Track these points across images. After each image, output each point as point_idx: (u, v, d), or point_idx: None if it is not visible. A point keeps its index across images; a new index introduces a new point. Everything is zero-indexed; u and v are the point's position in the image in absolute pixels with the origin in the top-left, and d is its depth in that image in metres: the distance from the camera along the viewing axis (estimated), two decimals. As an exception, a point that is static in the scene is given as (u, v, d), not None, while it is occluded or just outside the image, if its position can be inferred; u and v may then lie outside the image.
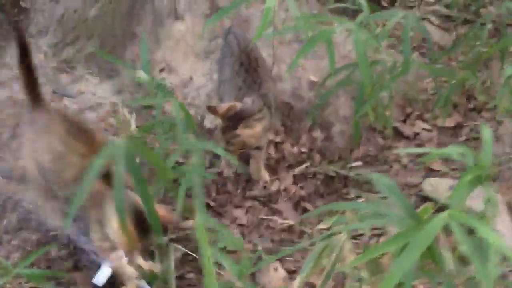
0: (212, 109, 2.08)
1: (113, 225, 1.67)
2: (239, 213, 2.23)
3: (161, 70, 2.70)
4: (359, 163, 2.48)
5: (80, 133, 1.78)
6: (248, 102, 2.12)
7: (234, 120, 2.08)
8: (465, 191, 1.42)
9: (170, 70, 2.70)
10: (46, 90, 2.44)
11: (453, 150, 1.45)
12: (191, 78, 2.68)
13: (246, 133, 2.10)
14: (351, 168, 2.46)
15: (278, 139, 2.53)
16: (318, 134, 2.57)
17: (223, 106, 2.08)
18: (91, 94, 2.50)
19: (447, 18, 3.34)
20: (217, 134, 2.26)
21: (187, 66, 2.73)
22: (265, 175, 2.38)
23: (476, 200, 1.76)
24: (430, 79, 2.81)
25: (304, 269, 1.44)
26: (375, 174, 1.55)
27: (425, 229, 1.31)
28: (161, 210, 1.66)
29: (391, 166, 2.48)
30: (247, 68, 2.25)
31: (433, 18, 3.30)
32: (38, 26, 2.59)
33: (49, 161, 1.77)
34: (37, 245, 1.99)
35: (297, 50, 2.71)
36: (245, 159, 2.39)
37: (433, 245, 1.46)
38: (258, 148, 2.28)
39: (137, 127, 2.36)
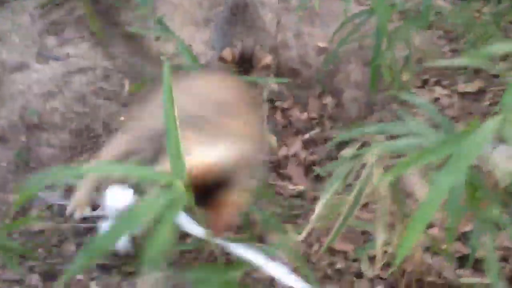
0: (223, 59, 1.96)
1: None
2: (243, 177, 1.99)
3: (157, 39, 2.50)
4: (374, 130, 2.24)
5: None
6: (238, 44, 2.01)
7: (245, 62, 1.97)
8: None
9: (166, 38, 2.50)
10: (30, 52, 2.26)
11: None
12: (189, 46, 2.47)
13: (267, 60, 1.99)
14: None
15: (284, 105, 2.32)
16: (328, 100, 2.36)
17: (227, 54, 1.89)
18: (81, 58, 2.29)
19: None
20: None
21: (185, 34, 2.52)
22: (272, 140, 2.16)
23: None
24: (448, 47, 2.62)
25: (326, 193, 1.21)
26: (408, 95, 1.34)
27: (474, 136, 1.07)
28: None
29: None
30: (235, 12, 2.14)
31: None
32: (24, -12, 2.40)
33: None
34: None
35: (302, 18, 2.57)
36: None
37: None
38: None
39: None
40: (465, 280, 1.65)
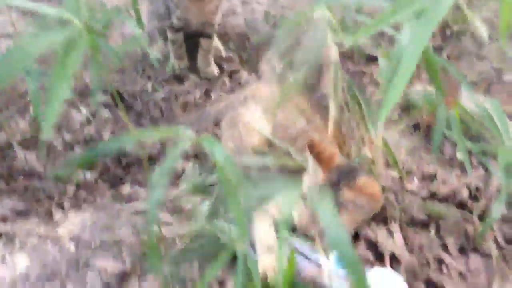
0: None
1: None
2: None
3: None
4: (328, 88, 2.11)
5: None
6: None
7: None
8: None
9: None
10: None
11: None
12: (130, 16, 2.32)
13: None
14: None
15: (233, 68, 2.17)
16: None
17: None
18: (11, 25, 2.11)
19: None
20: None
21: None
22: (214, 69, 2.14)
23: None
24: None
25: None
26: None
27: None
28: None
29: (365, 87, 2.13)
30: None
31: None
32: None
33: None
34: None
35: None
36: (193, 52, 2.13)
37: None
38: (207, 36, 2.05)
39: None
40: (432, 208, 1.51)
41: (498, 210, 1.38)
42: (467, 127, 1.73)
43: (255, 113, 1.54)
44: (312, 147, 1.30)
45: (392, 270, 1.24)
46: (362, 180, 1.24)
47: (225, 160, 0.92)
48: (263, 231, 1.23)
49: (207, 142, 1.00)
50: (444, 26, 2.49)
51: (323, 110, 1.65)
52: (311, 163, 1.27)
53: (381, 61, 1.46)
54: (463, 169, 1.68)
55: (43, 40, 0.76)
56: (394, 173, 1.63)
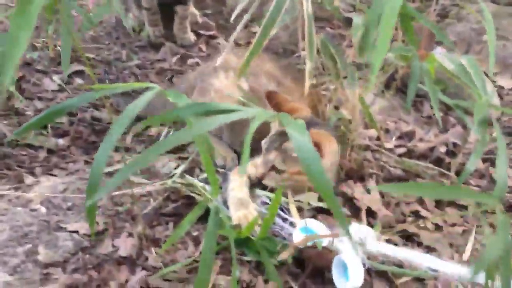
0: None
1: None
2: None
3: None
4: (308, 52, 2.09)
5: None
6: None
7: None
8: None
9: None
10: None
11: None
12: None
13: None
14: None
15: (209, 34, 2.14)
16: (257, 29, 2.18)
17: None
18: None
19: None
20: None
21: None
22: (190, 36, 2.11)
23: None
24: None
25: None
26: None
27: None
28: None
29: (343, 49, 2.11)
30: None
31: None
32: None
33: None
34: None
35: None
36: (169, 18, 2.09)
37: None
38: (183, 3, 2.03)
39: None
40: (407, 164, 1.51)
41: (473, 163, 1.37)
42: (446, 85, 1.72)
43: (226, 81, 1.53)
44: (270, 98, 1.32)
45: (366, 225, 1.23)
46: (314, 131, 1.23)
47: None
48: (236, 187, 1.22)
49: (172, 95, 0.98)
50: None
51: (296, 72, 1.63)
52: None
53: (356, 19, 1.45)
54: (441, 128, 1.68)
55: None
56: (372, 132, 1.62)
